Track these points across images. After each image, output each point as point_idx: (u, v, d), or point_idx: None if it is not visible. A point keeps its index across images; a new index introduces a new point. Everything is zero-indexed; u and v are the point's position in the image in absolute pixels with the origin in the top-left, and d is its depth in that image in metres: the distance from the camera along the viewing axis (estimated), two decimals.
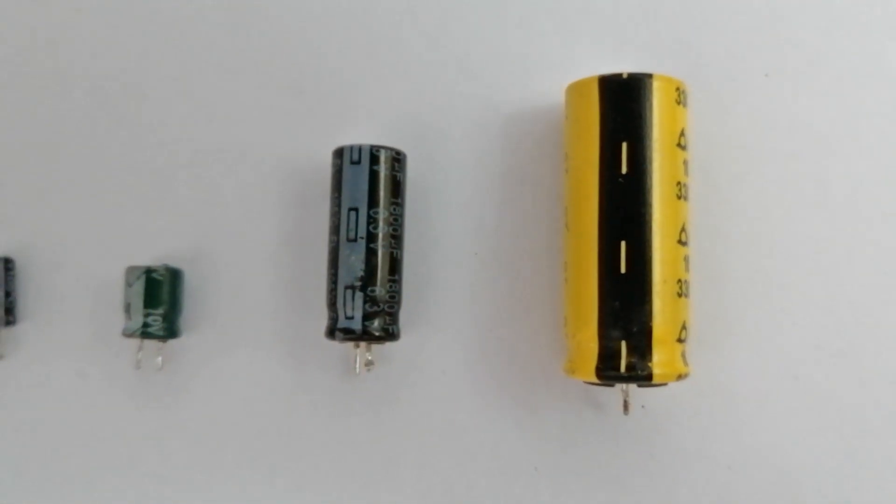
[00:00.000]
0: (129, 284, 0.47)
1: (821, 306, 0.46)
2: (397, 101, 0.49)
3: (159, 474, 0.49)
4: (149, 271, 0.47)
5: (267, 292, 0.49)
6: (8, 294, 0.50)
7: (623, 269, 0.42)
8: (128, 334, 0.47)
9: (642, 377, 0.42)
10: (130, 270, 0.48)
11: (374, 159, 0.45)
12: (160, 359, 0.48)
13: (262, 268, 0.50)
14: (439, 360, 0.48)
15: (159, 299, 0.47)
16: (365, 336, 0.45)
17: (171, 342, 0.49)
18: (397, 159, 0.46)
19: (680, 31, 0.48)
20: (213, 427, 0.49)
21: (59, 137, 0.52)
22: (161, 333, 0.47)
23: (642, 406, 0.46)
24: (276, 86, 0.50)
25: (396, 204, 0.46)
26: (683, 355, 0.44)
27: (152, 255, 0.50)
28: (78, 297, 0.51)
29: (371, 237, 0.45)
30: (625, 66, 0.45)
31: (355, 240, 0.45)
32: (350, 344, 0.47)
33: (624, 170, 0.43)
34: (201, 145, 0.51)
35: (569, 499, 0.47)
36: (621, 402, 0.46)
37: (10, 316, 0.50)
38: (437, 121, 0.49)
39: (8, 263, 0.51)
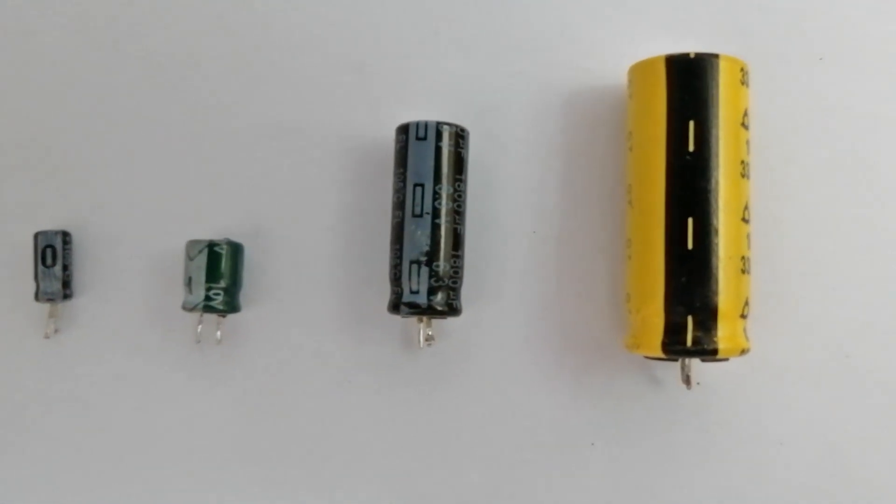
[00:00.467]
0: (190, 258, 0.47)
1: (872, 284, 0.47)
2: (458, 78, 0.50)
3: (216, 449, 0.49)
4: (211, 245, 0.47)
5: (326, 267, 0.49)
6: (65, 268, 0.50)
7: (690, 246, 0.43)
8: (189, 308, 0.47)
9: (708, 352, 0.43)
10: (192, 244, 0.47)
11: (439, 135, 0.46)
12: (219, 333, 0.48)
13: (321, 243, 0.50)
14: (497, 335, 0.48)
15: (221, 273, 0.47)
16: (429, 310, 0.45)
17: (230, 317, 0.49)
18: (461, 136, 0.46)
19: (735, 13, 0.49)
20: (272, 402, 0.49)
21: (118, 112, 0.52)
22: (222, 308, 0.47)
23: (697, 382, 0.47)
24: (337, 62, 0.50)
25: (460, 180, 0.46)
26: (745, 331, 0.45)
27: (210, 230, 0.49)
28: (135, 271, 0.51)
29: (436, 213, 0.45)
30: (682, 47, 0.46)
31: (420, 215, 0.45)
32: (410, 319, 0.48)
33: (691, 148, 0.43)
34: (262, 121, 0.51)
35: (624, 473, 0.47)
36: (677, 378, 0.46)
37: (66, 290, 0.50)
38: (497, 98, 0.49)
39: (66, 237, 0.50)
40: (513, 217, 0.49)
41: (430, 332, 0.47)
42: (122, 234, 0.51)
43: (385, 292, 0.47)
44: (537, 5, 0.50)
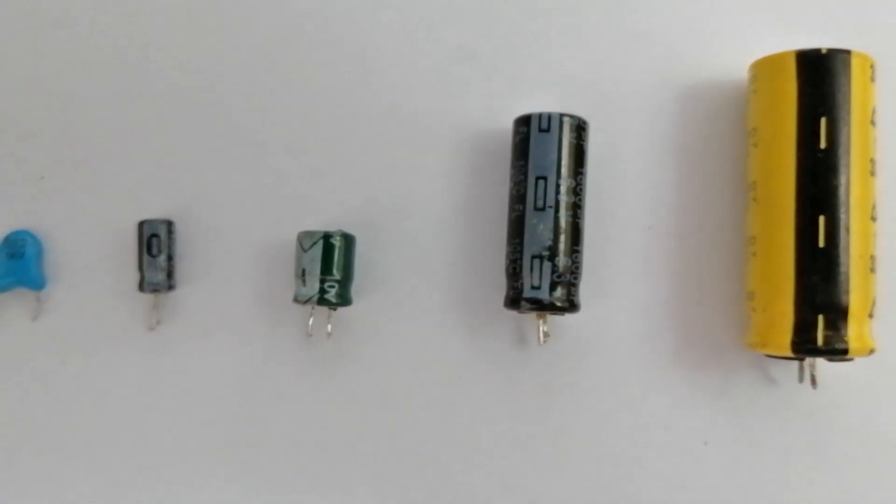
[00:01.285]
0: (304, 249, 0.46)
1: None
2: (573, 69, 0.49)
3: (326, 444, 0.48)
4: (326, 236, 0.46)
5: (438, 261, 0.49)
6: (170, 258, 0.49)
7: (822, 244, 0.42)
8: (302, 300, 0.46)
9: (838, 351, 0.43)
10: (306, 235, 0.46)
11: (562, 127, 0.45)
12: (330, 326, 0.47)
13: (432, 235, 0.49)
14: (612, 332, 0.48)
15: (336, 265, 0.46)
16: (550, 306, 0.45)
17: (340, 310, 0.48)
18: (582, 128, 0.46)
19: (853, 7, 0.48)
20: (381, 397, 0.48)
21: (225, 100, 0.51)
22: (335, 300, 0.46)
23: (814, 382, 0.46)
24: (450, 52, 0.50)
25: (580, 174, 0.46)
26: (871, 331, 0.44)
27: (318, 221, 0.48)
28: (240, 262, 0.50)
29: (558, 206, 0.45)
30: (798, 42, 0.45)
31: (543, 209, 0.45)
32: (525, 315, 0.47)
33: (823, 145, 0.43)
34: (373, 110, 0.50)
35: (738, 473, 0.47)
36: (794, 377, 0.46)
37: (170, 280, 0.49)
38: (613, 91, 0.48)
39: (170, 226, 0.49)
40: (627, 212, 0.48)
41: (545, 329, 0.47)
42: (227, 224, 0.50)
43: (498, 287, 0.46)
44: None
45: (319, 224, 0.48)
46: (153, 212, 0.50)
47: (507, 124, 0.47)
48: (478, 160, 0.49)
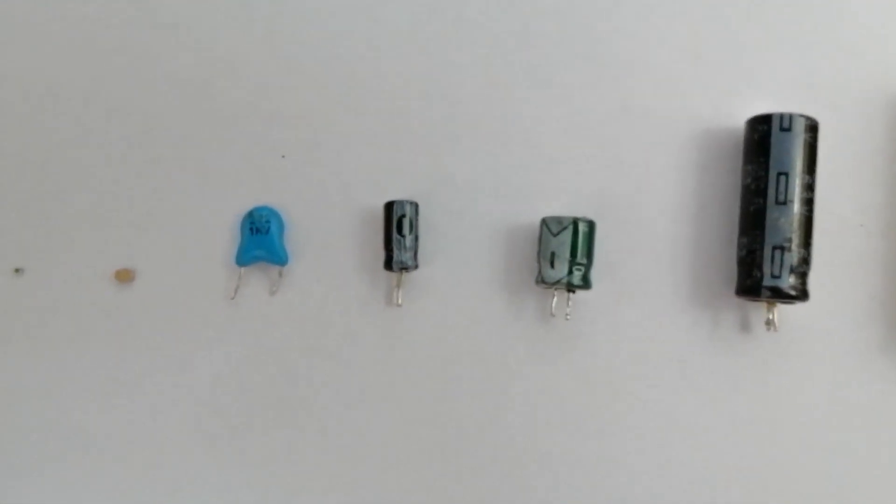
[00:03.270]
0: (552, 234, 0.48)
1: None
2: (793, 73, 0.51)
3: (558, 420, 0.51)
4: (576, 222, 0.48)
5: (665, 249, 0.51)
6: (416, 238, 0.50)
7: None
8: (551, 283, 0.48)
9: None
10: (554, 220, 0.48)
11: (801, 127, 0.48)
12: (569, 309, 0.50)
13: (661, 225, 0.51)
14: (826, 321, 0.50)
15: (583, 250, 0.48)
16: (787, 295, 0.47)
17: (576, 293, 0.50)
18: (815, 128, 0.49)
19: None
20: (612, 377, 0.51)
21: (464, 92, 0.53)
22: (580, 283, 0.48)
23: None
24: (681, 56, 0.52)
25: (813, 171, 0.48)
26: None
27: (552, 208, 0.51)
28: (478, 244, 0.52)
29: (797, 201, 0.47)
30: None
31: (784, 203, 0.47)
32: (750, 303, 0.50)
33: None
34: (608, 107, 0.52)
35: None
36: None
37: (416, 259, 0.51)
38: (831, 92, 0.51)
39: (416, 208, 0.51)
40: (841, 210, 0.51)
41: (770, 317, 0.49)
42: (467, 208, 0.52)
43: (725, 275, 0.49)
44: (880, 3, 0.52)
45: (552, 211, 0.50)
46: (392, 194, 0.52)
47: (733, 123, 0.49)
48: (705, 156, 0.51)
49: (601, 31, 0.52)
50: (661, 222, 0.51)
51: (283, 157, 0.53)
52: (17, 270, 0.55)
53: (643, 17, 0.52)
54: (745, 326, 0.50)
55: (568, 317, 0.50)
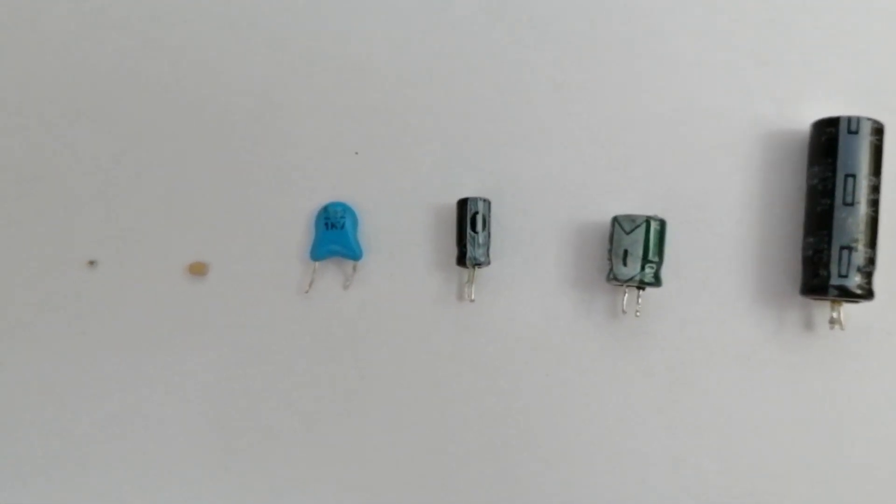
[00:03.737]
0: (625, 232, 0.49)
1: None
2: (856, 76, 0.52)
3: (630, 416, 0.52)
4: (649, 220, 0.49)
5: (731, 248, 0.52)
6: (488, 234, 0.51)
7: None
8: (623, 280, 0.49)
9: None
10: (627, 219, 0.49)
11: (868, 130, 0.49)
12: (638, 306, 0.51)
13: (727, 224, 0.52)
14: (888, 324, 0.51)
15: (655, 248, 0.49)
16: (854, 294, 0.48)
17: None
18: (881, 130, 0.50)
19: None
20: (678, 374, 0.52)
21: (531, 91, 0.54)
22: (651, 281, 0.50)
23: None
24: (745, 59, 0.53)
25: (879, 172, 0.49)
26: None
27: (620, 208, 0.52)
28: (547, 241, 0.53)
29: (866, 202, 0.49)
30: None
31: (852, 204, 0.48)
32: (817, 301, 0.51)
33: None
34: (674, 109, 0.53)
35: None
36: None
37: (488, 256, 0.52)
38: (888, 96, 0.52)
39: (489, 205, 0.52)
40: (890, 210, 0.52)
41: (835, 316, 0.50)
42: (536, 206, 0.53)
43: (789, 275, 0.50)
44: None
45: (619, 210, 0.52)
46: (463, 191, 0.53)
47: (796, 125, 0.50)
48: (770, 157, 0.52)
49: (670, 31, 0.53)
50: (726, 221, 0.52)
51: (357, 153, 0.54)
52: (91, 263, 0.56)
53: (710, 19, 0.53)
54: (808, 325, 0.51)
55: (638, 314, 0.51)
